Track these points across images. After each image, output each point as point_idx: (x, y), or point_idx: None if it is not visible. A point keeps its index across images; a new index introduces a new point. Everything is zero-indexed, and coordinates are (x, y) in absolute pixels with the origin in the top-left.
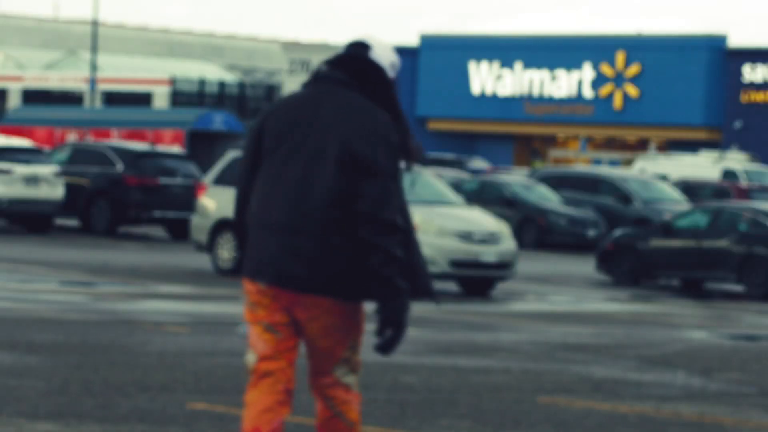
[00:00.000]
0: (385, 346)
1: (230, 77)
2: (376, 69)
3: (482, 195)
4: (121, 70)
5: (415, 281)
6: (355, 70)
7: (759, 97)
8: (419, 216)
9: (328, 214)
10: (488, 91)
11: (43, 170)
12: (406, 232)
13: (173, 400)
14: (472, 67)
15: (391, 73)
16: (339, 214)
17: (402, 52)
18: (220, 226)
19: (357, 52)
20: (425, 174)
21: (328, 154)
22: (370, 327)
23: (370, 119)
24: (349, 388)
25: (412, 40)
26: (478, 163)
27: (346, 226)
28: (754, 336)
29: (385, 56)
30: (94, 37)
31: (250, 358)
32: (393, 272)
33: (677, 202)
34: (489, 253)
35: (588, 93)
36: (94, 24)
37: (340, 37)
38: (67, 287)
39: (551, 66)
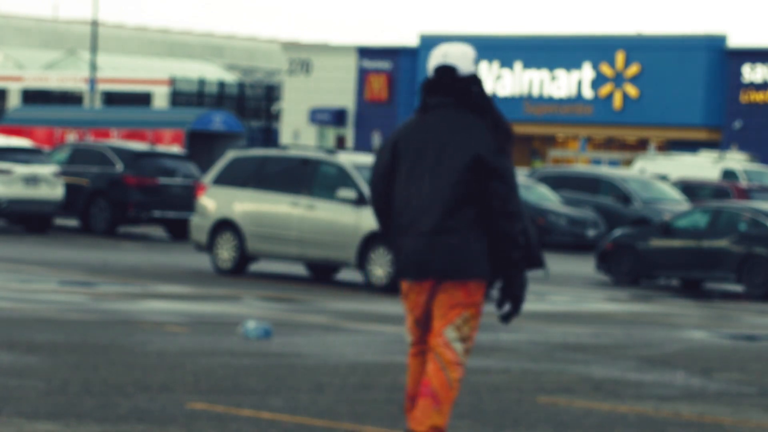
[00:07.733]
0: (507, 316)
1: (230, 77)
2: (471, 84)
3: None
4: (121, 70)
5: (530, 254)
6: (459, 93)
7: (759, 97)
8: None
9: (466, 215)
10: (488, 91)
11: (43, 170)
12: (524, 217)
13: (173, 400)
14: None
15: (474, 67)
16: (473, 213)
17: (402, 52)
18: (220, 226)
19: (451, 76)
20: None
21: (460, 166)
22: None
23: (489, 134)
24: (456, 355)
25: (412, 40)
26: None
27: (479, 221)
28: (753, 336)
29: (467, 63)
30: (94, 37)
31: (407, 338)
32: (518, 255)
33: (677, 202)
34: None
35: (588, 93)
36: (94, 24)
37: (339, 38)
38: (66, 287)
39: (551, 66)
